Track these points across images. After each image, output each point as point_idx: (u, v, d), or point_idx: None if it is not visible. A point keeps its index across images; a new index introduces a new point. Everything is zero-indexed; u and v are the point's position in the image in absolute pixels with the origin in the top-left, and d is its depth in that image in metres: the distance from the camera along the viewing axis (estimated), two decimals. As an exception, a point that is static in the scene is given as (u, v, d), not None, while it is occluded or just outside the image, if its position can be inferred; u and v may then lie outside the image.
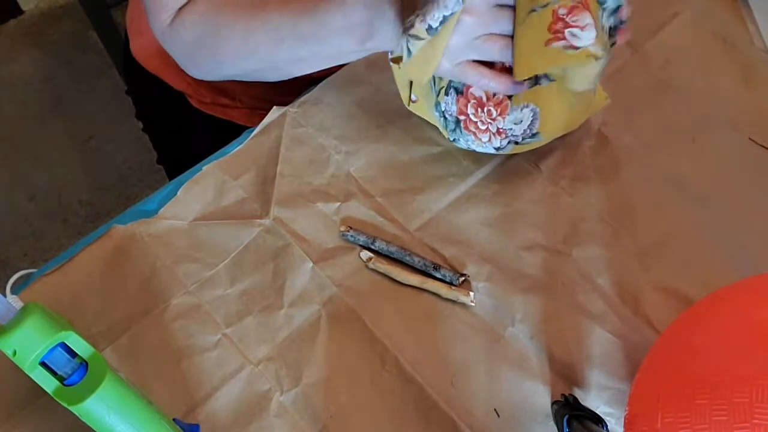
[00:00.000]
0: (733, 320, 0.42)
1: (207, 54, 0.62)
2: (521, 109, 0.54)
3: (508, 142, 0.57)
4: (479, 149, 0.59)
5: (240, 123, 0.82)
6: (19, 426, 0.50)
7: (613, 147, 0.63)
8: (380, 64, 0.61)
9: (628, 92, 0.67)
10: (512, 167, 0.62)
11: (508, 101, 0.54)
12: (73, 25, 1.70)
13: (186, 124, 0.84)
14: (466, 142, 0.58)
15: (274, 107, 0.64)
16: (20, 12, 1.72)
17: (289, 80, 0.75)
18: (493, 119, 0.55)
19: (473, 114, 0.56)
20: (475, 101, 0.55)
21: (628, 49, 0.69)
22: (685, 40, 0.70)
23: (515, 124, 0.55)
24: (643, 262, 0.58)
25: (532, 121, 0.55)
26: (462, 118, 0.56)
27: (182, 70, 0.66)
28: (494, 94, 0.54)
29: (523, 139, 0.56)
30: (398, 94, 0.60)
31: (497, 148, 0.57)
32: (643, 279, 0.57)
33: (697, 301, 0.48)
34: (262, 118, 0.64)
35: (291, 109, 0.64)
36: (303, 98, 0.65)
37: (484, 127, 0.56)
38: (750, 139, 0.64)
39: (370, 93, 0.65)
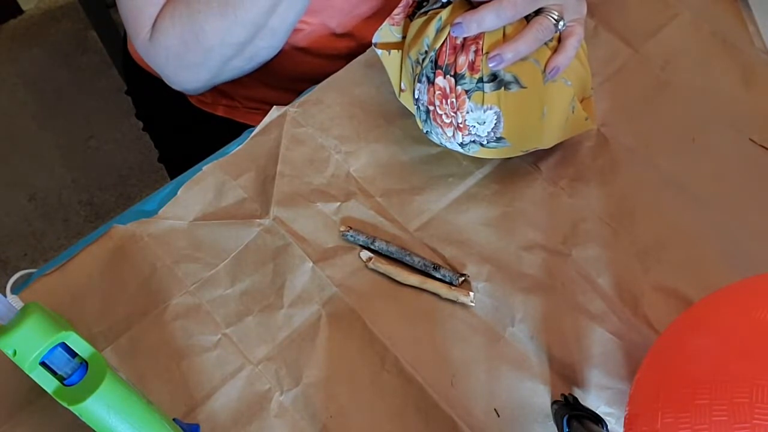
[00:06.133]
0: (733, 320, 0.42)
1: (193, 48, 0.63)
2: (484, 111, 0.54)
3: (472, 141, 0.56)
4: (448, 145, 0.58)
5: (240, 123, 0.82)
6: (19, 426, 0.50)
7: (613, 147, 0.63)
8: (380, 65, 0.61)
9: (628, 92, 0.67)
10: (512, 167, 0.62)
11: (465, 96, 0.54)
12: (73, 25, 1.70)
13: (186, 124, 0.84)
14: (437, 135, 0.58)
15: (274, 107, 0.64)
16: (20, 12, 1.72)
17: (289, 80, 0.75)
18: (455, 112, 0.55)
19: (439, 105, 0.55)
20: (440, 92, 0.55)
21: (628, 49, 0.69)
22: (685, 40, 0.70)
23: (478, 123, 0.54)
24: (642, 262, 0.58)
25: (495, 124, 0.54)
26: (431, 108, 0.56)
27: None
28: (456, 85, 0.54)
29: (488, 142, 0.56)
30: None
31: (461, 145, 0.57)
32: (643, 279, 0.57)
33: (696, 301, 0.48)
34: (262, 118, 0.64)
35: (291, 109, 0.64)
36: (303, 98, 0.65)
37: (448, 121, 0.55)
38: (750, 139, 0.64)
39: (370, 93, 0.65)
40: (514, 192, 0.61)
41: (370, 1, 0.72)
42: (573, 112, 0.57)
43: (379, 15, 0.72)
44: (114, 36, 1.36)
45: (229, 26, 0.61)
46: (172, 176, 0.85)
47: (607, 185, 0.61)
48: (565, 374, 0.53)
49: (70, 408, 0.41)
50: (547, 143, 0.58)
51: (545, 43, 0.54)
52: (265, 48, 0.65)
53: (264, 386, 0.52)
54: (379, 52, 0.59)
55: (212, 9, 0.61)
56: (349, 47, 0.73)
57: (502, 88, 0.53)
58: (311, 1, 0.64)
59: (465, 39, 0.53)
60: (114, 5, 1.49)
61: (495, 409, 0.52)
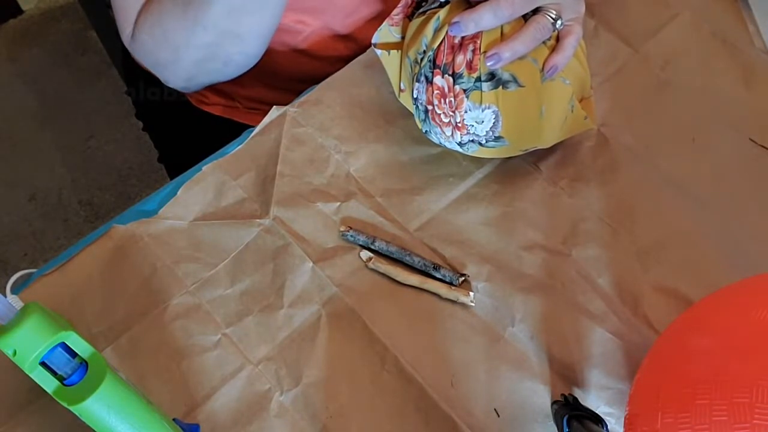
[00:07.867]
0: (733, 320, 0.42)
1: (163, 46, 0.64)
2: (482, 110, 0.54)
3: (471, 140, 0.56)
4: (447, 144, 0.58)
5: (240, 123, 0.82)
6: (19, 426, 0.50)
7: (613, 147, 0.63)
8: (380, 65, 0.61)
9: (628, 92, 0.67)
10: (512, 167, 0.62)
11: (464, 95, 0.54)
12: (73, 25, 1.70)
13: (186, 124, 0.84)
14: (436, 134, 0.58)
15: (274, 107, 0.64)
16: (20, 12, 1.72)
17: (289, 80, 0.75)
18: (453, 111, 0.54)
19: (437, 105, 0.55)
20: (438, 91, 0.55)
21: (628, 49, 0.69)
22: (685, 40, 0.70)
23: (477, 122, 0.54)
24: (642, 262, 0.58)
25: (494, 123, 0.54)
26: (430, 107, 0.56)
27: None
28: (454, 85, 0.54)
29: (486, 141, 0.55)
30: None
31: (460, 144, 0.57)
32: (643, 279, 0.57)
33: (696, 301, 0.48)
34: (262, 118, 0.64)
35: (291, 109, 0.64)
36: (303, 98, 0.65)
37: (447, 120, 0.55)
38: (750, 139, 0.64)
39: (370, 93, 0.65)
40: (514, 192, 0.61)
41: (371, 3, 0.72)
42: (572, 111, 0.57)
43: (381, 17, 0.72)
44: (114, 36, 1.36)
45: (191, 26, 0.60)
46: (172, 176, 0.85)
47: (607, 185, 0.61)
48: (565, 374, 0.53)
49: (70, 408, 0.41)
50: (546, 142, 0.58)
51: (543, 42, 0.54)
52: (237, 54, 0.64)
53: (264, 386, 0.52)
54: (378, 52, 0.59)
55: (177, 7, 0.60)
56: (350, 50, 0.73)
57: (500, 87, 0.53)
58: (313, 1, 0.64)
59: (463, 38, 0.53)
60: (114, 5, 1.48)
61: (495, 409, 0.52)
